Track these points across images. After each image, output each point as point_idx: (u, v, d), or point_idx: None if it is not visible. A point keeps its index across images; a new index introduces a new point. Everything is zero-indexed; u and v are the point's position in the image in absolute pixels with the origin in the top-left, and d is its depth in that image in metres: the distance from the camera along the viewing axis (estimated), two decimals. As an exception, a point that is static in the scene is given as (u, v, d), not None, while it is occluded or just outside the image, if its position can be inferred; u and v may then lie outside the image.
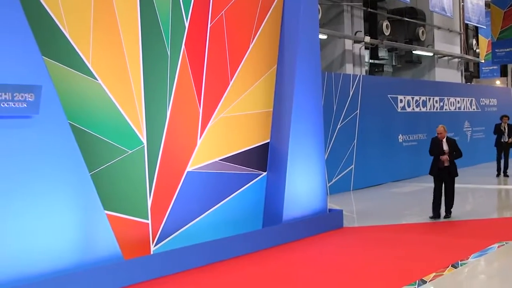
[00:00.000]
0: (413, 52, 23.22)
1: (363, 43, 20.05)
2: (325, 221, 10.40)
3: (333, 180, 15.12)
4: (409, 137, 18.75)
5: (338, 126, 15.46)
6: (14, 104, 6.34)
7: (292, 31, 10.13)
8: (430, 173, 11.53)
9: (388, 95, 17.93)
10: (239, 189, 9.39)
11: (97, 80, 7.53)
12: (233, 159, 9.29)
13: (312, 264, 8.24)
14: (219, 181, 9.05)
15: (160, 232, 8.21)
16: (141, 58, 8.06)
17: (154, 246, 8.13)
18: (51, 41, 7.06)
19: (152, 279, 7.60)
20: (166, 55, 8.40)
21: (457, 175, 11.40)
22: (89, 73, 7.45)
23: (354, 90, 16.20)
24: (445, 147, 11.20)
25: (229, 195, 9.20)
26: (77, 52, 7.34)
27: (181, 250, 8.07)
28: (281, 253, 8.90)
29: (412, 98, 19.09)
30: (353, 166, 15.92)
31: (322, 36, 17.04)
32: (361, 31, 20.11)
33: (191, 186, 8.62)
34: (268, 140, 9.95)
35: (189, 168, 8.62)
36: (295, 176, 9.87)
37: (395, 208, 12.75)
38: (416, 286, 6.82)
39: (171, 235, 8.34)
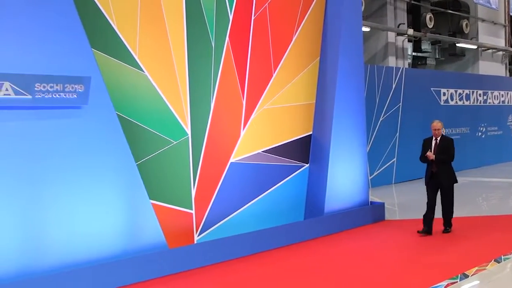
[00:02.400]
0: (457, 45, 22.89)
1: (406, 35, 19.84)
2: (367, 214, 10.40)
3: (375, 173, 15.07)
4: (452, 131, 18.54)
5: (381, 119, 15.39)
6: (65, 95, 6.52)
7: (335, 24, 10.12)
8: (425, 182, 9.64)
9: (431, 88, 17.77)
10: (281, 180, 9.45)
11: (143, 71, 7.67)
12: (276, 150, 9.35)
13: (353, 256, 8.25)
14: (262, 172, 9.13)
15: (204, 222, 8.33)
16: (186, 50, 8.17)
17: (198, 235, 8.25)
18: (100, 34, 7.22)
19: (195, 268, 7.72)
20: (211, 47, 8.49)
21: (453, 181, 9.50)
22: (136, 65, 7.59)
23: (397, 83, 16.09)
24: (437, 147, 9.35)
25: (272, 187, 9.26)
26: (125, 44, 7.48)
27: (224, 240, 8.17)
28: (322, 245, 8.93)
29: (455, 92, 18.87)
30: (395, 159, 15.82)
31: (365, 29, 16.94)
32: (404, 24, 19.91)
33: (234, 177, 8.72)
34: (311, 132, 9.98)
35: (233, 159, 8.72)
36: (337, 168, 9.88)
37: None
38: (458, 280, 6.78)
39: (214, 225, 8.46)
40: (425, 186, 9.52)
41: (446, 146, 9.31)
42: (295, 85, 9.67)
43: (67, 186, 6.71)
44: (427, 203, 9.43)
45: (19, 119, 6.32)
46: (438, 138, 9.37)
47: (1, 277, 6.20)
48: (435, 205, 9.36)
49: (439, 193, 9.50)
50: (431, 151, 9.30)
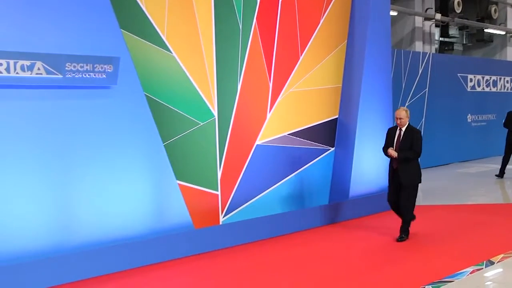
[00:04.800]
0: (485, 30, 22.65)
1: (434, 20, 19.68)
2: (392, 199, 10.36)
3: (400, 158, 15.03)
4: (478, 117, 18.41)
5: (406, 104, 15.30)
6: (94, 75, 6.59)
7: (363, 7, 10.06)
8: (388, 179, 8.42)
9: (458, 74, 17.61)
10: (307, 163, 9.46)
11: (171, 53, 7.70)
12: (302, 133, 9.36)
13: (378, 241, 8.25)
14: (288, 155, 9.14)
15: (229, 203, 8.38)
16: (213, 32, 8.18)
17: (223, 217, 8.31)
18: (129, 15, 7.25)
19: (220, 249, 7.81)
20: (238, 29, 8.50)
21: (416, 182, 8.17)
22: (164, 45, 7.63)
23: (424, 68, 15.99)
24: (401, 140, 8.05)
25: (297, 169, 9.28)
26: (153, 25, 7.51)
27: (248, 222, 8.24)
28: (346, 228, 8.95)
29: (483, 78, 18.69)
30: (420, 144, 15.76)
31: (393, 13, 16.84)
32: (432, 8, 19.74)
33: (260, 159, 8.75)
34: (337, 116, 9.96)
35: (259, 141, 8.74)
36: (362, 152, 9.87)
37: (461, 189, 12.59)
38: (484, 267, 6.76)
39: (239, 206, 8.51)
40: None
41: (411, 140, 7.98)
42: (321, 68, 9.65)
43: (96, 166, 6.80)
44: (390, 204, 8.37)
45: (51, 98, 6.41)
46: (403, 129, 8.05)
47: (34, 254, 6.34)
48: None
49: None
50: (393, 144, 8.10)
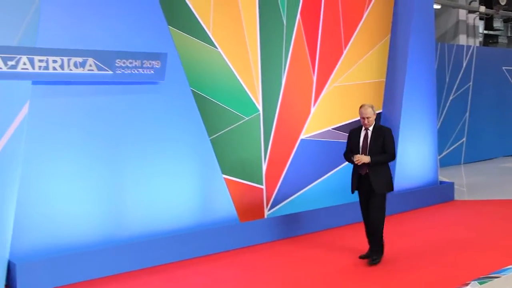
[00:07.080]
0: (531, 22, 22.25)
1: (478, 13, 19.41)
2: (436, 193, 10.32)
3: (444, 153, 14.89)
4: (523, 112, 18.12)
5: (450, 98, 15.17)
6: (143, 71, 6.73)
7: (407, 0, 10.01)
8: (352, 190, 6.90)
9: (503, 67, 17.35)
10: (350, 158, 9.46)
11: (217, 48, 7.80)
12: (346, 128, 9.34)
13: (422, 234, 8.23)
14: (332, 149, 9.16)
15: (274, 197, 8.46)
16: (258, 27, 8.25)
17: (268, 210, 8.39)
18: (175, 11, 7.39)
19: (265, 243, 7.89)
20: (282, 25, 8.55)
21: (390, 188, 6.79)
22: (209, 41, 7.73)
23: (468, 62, 15.81)
24: (369, 141, 6.66)
25: (341, 164, 9.27)
26: (199, 21, 7.62)
27: (294, 216, 8.30)
28: (391, 223, 8.90)
29: (528, 71, 18.39)
30: (464, 139, 15.60)
31: (436, 6, 16.66)
32: (475, 1, 19.45)
33: (304, 153, 8.80)
34: (381, 110, 9.94)
35: (303, 135, 8.79)
36: (406, 147, 9.84)
37: (507, 183, 12.43)
38: (530, 263, 6.71)
39: (284, 200, 8.58)
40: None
41: (382, 141, 6.62)
42: (365, 63, 9.64)
43: (144, 159, 6.97)
44: (363, 216, 7.01)
45: (101, 94, 6.59)
46: (371, 128, 6.69)
47: (86, 245, 6.54)
48: None
49: None
50: (358, 147, 6.71)
